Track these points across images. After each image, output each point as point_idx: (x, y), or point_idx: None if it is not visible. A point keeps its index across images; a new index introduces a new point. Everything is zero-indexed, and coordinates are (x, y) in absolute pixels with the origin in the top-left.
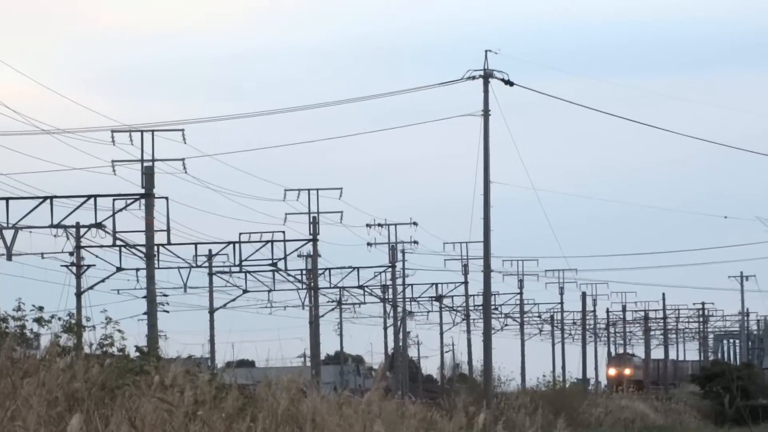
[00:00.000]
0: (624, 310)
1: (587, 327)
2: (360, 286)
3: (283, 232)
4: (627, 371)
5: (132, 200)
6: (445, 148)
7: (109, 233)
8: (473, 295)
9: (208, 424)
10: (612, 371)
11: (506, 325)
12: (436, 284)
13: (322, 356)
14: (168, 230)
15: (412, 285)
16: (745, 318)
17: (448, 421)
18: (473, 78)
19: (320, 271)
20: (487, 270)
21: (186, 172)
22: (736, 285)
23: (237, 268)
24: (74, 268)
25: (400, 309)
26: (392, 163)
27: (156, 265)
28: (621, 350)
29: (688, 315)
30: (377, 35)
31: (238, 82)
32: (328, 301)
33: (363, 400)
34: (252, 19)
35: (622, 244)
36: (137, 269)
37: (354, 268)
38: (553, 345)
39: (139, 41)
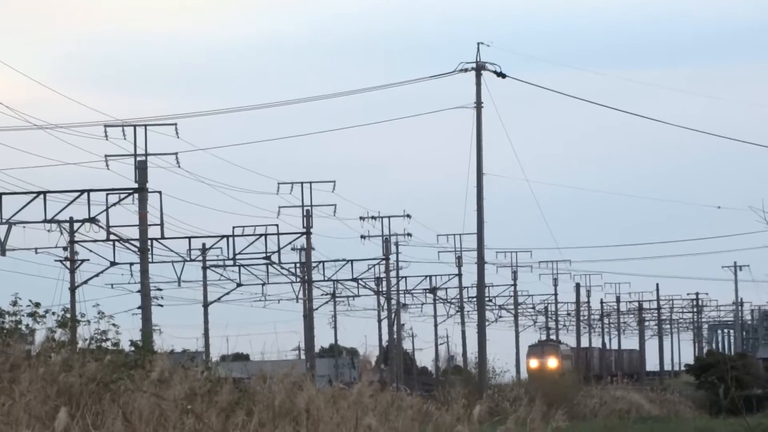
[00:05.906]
0: (618, 300)
1: (581, 318)
2: (354, 279)
3: (277, 225)
4: (552, 363)
5: (125, 195)
6: (438, 141)
7: (102, 228)
8: (467, 287)
9: (202, 419)
10: (533, 363)
11: (500, 316)
12: (430, 276)
13: (317, 349)
14: (161, 224)
15: (405, 277)
16: (739, 308)
17: (444, 413)
18: (466, 70)
19: (314, 264)
20: (480, 262)
21: (179, 166)
22: (729, 275)
23: (231, 262)
24: (68, 263)
25: (394, 301)
26: (385, 155)
27: (150, 260)
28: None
29: (682, 305)
30: (370, 29)
31: (229, 76)
32: (322, 294)
33: (354, 392)
34: (243, 11)
35: (616, 235)
36: (131, 263)
37: (348, 260)
38: (548, 336)
39: (129, 36)
